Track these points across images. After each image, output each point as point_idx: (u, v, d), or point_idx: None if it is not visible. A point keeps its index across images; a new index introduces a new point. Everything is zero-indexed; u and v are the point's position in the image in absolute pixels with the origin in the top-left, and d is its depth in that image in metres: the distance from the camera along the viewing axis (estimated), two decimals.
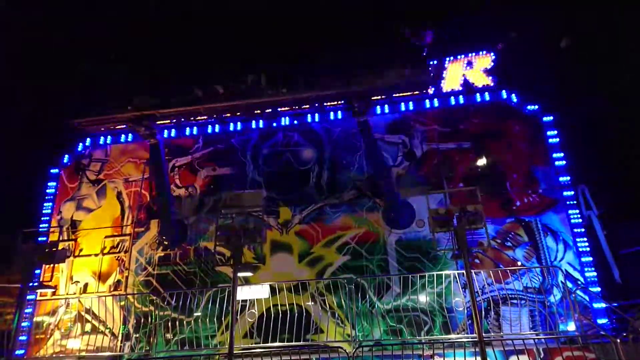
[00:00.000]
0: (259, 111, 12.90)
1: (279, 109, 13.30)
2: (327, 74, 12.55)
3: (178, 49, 17.00)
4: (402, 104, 13.98)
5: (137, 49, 17.24)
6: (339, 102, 13.36)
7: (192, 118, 14.17)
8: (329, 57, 14.03)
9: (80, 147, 15.48)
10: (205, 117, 14.34)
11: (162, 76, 14.73)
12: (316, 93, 12.38)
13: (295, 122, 14.37)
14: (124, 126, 14.10)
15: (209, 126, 15.05)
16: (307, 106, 13.80)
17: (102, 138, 15.56)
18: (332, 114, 14.37)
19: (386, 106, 14.11)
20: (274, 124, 14.45)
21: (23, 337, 12.40)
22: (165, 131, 15.38)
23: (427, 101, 13.86)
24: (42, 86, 17.05)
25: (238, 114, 13.62)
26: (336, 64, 13.09)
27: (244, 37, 17.66)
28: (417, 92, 13.89)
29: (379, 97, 13.20)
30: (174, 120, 13.81)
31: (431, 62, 14.42)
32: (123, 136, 15.50)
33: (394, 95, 14.07)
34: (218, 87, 12.90)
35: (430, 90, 13.76)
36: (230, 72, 13.50)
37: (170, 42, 17.29)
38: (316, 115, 14.39)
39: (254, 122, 14.64)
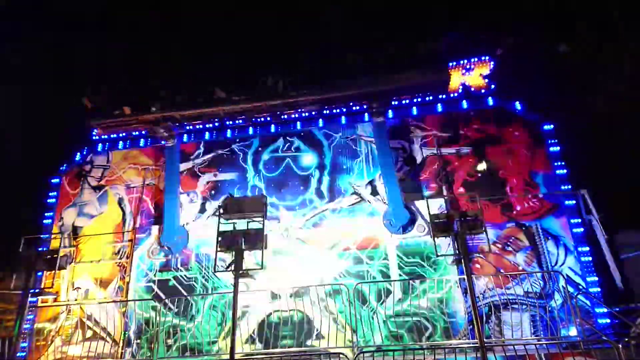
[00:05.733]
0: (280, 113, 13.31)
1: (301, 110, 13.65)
2: (349, 76, 13.05)
3: (189, 52, 16.71)
4: (403, 109, 14.02)
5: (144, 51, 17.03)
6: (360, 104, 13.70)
7: (212, 120, 14.32)
8: (350, 59, 13.85)
9: (82, 153, 15.55)
10: (221, 119, 14.47)
11: (173, 79, 14.57)
12: (342, 93, 12.99)
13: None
14: (140, 131, 14.68)
15: (214, 132, 15.12)
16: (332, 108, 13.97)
17: (103, 144, 15.63)
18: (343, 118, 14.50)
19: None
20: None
21: (24, 344, 12.39)
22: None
23: (428, 106, 13.91)
24: (46, 90, 16.99)
25: (259, 117, 13.92)
26: (357, 67, 13.35)
27: (260, 38, 17.25)
28: (421, 95, 14.05)
29: (399, 98, 13.72)
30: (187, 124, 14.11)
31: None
32: (139, 140, 15.52)
33: (400, 97, 14.10)
34: (220, 92, 13.04)
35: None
36: (246, 75, 13.61)
37: (181, 46, 16.99)
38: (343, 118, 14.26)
39: (251, 128, 14.75)
